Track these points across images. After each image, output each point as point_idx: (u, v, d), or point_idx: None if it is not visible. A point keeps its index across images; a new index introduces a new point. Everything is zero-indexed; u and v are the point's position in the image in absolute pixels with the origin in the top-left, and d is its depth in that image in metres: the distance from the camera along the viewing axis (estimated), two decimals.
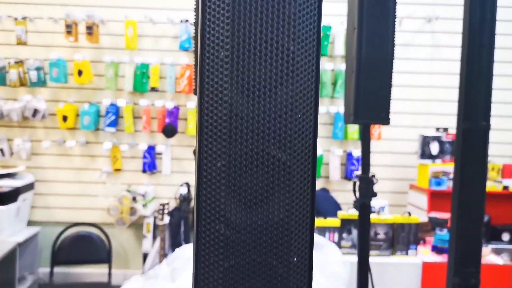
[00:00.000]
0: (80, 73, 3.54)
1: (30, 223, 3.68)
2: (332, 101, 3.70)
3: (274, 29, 0.48)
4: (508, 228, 3.32)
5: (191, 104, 3.61)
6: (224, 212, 0.48)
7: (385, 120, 1.56)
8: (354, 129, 3.57)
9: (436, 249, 2.53)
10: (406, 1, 3.61)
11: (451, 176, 3.28)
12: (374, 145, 3.53)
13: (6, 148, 3.66)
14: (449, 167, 3.32)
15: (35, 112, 3.61)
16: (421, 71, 3.73)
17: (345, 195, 3.66)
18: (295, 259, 0.49)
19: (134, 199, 3.64)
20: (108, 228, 3.69)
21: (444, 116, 3.67)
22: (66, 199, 3.74)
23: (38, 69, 3.60)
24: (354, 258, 1.92)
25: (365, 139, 1.60)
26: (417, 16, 3.68)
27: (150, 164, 3.68)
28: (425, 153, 3.38)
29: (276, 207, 0.50)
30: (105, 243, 3.65)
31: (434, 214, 2.75)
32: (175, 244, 3.53)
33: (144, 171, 3.69)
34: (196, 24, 1.48)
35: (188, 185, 3.72)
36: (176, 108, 3.63)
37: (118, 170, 3.71)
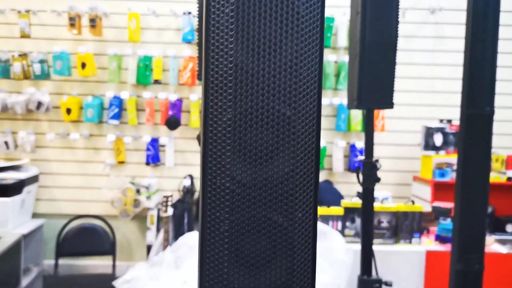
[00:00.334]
0: (83, 65, 3.55)
1: (35, 215, 3.70)
2: (335, 93, 3.70)
3: None
4: None
5: (194, 96, 3.62)
6: (229, 166, 0.49)
7: (389, 105, 1.56)
8: (357, 121, 3.57)
9: (439, 238, 2.52)
10: None
11: (455, 167, 3.28)
12: (377, 137, 3.53)
13: (10, 140, 3.68)
14: (453, 158, 3.31)
15: (39, 104, 3.62)
16: (425, 63, 3.73)
17: (348, 187, 3.66)
18: (300, 214, 0.50)
19: (138, 191, 3.65)
20: (112, 220, 3.71)
21: (448, 108, 3.66)
22: (70, 192, 3.76)
23: (41, 62, 3.61)
24: (357, 246, 1.92)
25: (368, 124, 1.60)
26: (420, 7, 3.68)
27: (154, 156, 3.69)
28: (428, 145, 3.38)
29: (281, 161, 0.50)
30: (109, 235, 3.66)
31: (437, 204, 2.75)
32: (179, 235, 3.53)
33: (147, 163, 3.70)
34: None
35: (191, 177, 3.73)
36: (179, 101, 3.64)
37: (121, 162, 3.72)
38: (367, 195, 1.60)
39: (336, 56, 3.64)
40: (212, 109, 0.49)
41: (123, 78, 3.66)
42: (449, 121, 3.47)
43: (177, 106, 3.62)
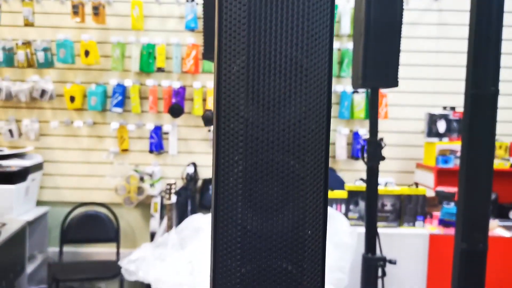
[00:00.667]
0: (87, 53, 3.55)
1: (39, 203, 3.72)
2: (338, 80, 3.69)
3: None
4: None
5: (197, 84, 3.62)
6: (243, 109, 0.49)
7: (394, 84, 1.56)
8: (360, 108, 3.57)
9: (443, 223, 2.53)
10: None
11: (458, 154, 3.28)
12: (380, 124, 3.52)
13: (14, 128, 3.69)
14: (457, 145, 3.32)
15: (43, 92, 3.63)
16: (428, 50, 3.72)
17: (351, 174, 3.67)
18: (309, 158, 0.50)
19: (141, 179, 3.67)
20: (116, 207, 3.73)
21: (451, 95, 3.66)
22: (74, 179, 3.78)
23: (45, 50, 3.61)
24: (361, 229, 1.93)
25: (373, 103, 1.60)
26: None
27: (157, 144, 3.70)
28: (432, 132, 3.38)
29: (293, 109, 0.51)
30: (113, 222, 3.68)
31: (441, 188, 2.76)
32: None
33: (151, 151, 3.71)
34: None
35: (194, 165, 3.74)
36: (182, 88, 3.64)
37: (125, 150, 3.73)
38: (371, 174, 1.60)
39: (340, 43, 3.64)
40: (226, 54, 0.50)
41: (127, 66, 3.67)
42: (453, 108, 3.47)
43: (180, 93, 3.63)
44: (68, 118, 3.71)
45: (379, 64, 1.53)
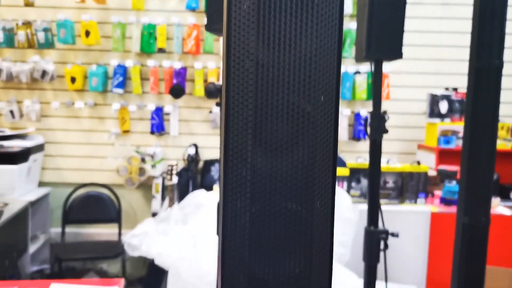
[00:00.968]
0: (87, 34, 3.53)
1: (41, 184, 3.73)
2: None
3: None
4: None
5: (198, 64, 3.60)
6: (253, 48, 0.49)
7: (398, 55, 1.55)
8: (362, 89, 3.56)
9: (444, 201, 2.54)
10: None
11: (460, 135, 3.28)
12: (382, 105, 3.52)
13: (16, 109, 3.68)
14: (458, 126, 3.31)
15: (44, 73, 3.62)
16: (431, 30, 3.69)
17: (352, 156, 3.67)
18: (320, 97, 0.50)
19: (142, 160, 3.67)
20: (118, 188, 3.73)
21: (454, 76, 3.64)
22: (76, 161, 3.78)
23: (45, 30, 3.59)
24: (363, 206, 1.94)
25: (377, 75, 1.60)
26: None
27: (158, 125, 3.69)
28: (433, 112, 3.37)
29: (304, 46, 0.50)
30: (115, 203, 3.69)
31: (443, 167, 2.76)
32: None
33: (152, 132, 3.70)
34: None
35: (196, 146, 3.74)
36: (184, 69, 3.63)
37: (126, 131, 3.73)
38: (374, 147, 1.60)
39: None
40: None
41: (127, 46, 3.65)
42: (455, 89, 3.46)
43: (181, 74, 3.61)
44: (69, 99, 3.70)
45: (383, 36, 1.52)
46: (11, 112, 3.68)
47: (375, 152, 1.61)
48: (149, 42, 3.59)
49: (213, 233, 1.86)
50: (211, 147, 3.74)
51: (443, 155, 3.25)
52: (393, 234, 1.61)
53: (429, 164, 3.38)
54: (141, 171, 3.68)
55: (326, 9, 0.49)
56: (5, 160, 3.24)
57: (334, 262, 1.89)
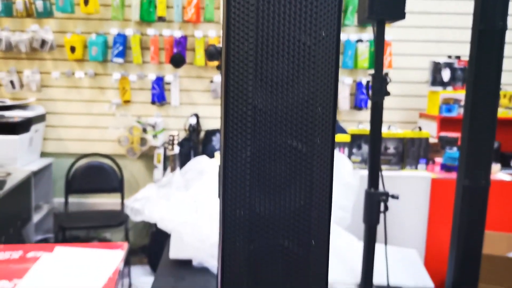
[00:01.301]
0: (86, 2, 3.48)
1: (43, 154, 3.74)
2: (342, 29, 3.63)
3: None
4: None
5: (199, 33, 3.56)
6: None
7: (401, 16, 1.53)
8: (364, 57, 3.53)
9: (445, 168, 2.54)
10: None
11: (462, 103, 3.27)
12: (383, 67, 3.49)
13: (16, 80, 3.67)
14: (461, 94, 3.29)
15: (43, 43, 3.58)
16: None
17: (354, 125, 3.66)
18: (321, 31, 0.49)
19: (144, 130, 3.67)
20: (119, 159, 3.75)
21: (457, 44, 3.60)
22: (77, 131, 3.78)
23: None
24: (364, 172, 1.94)
25: (379, 37, 1.58)
26: None
27: (159, 95, 3.68)
28: (436, 80, 3.35)
29: None
30: (117, 173, 3.71)
31: (444, 134, 2.75)
32: None
33: (153, 102, 3.69)
34: None
35: (197, 116, 3.74)
36: (184, 38, 3.59)
37: (127, 101, 3.72)
38: (376, 109, 1.60)
39: None
40: None
41: (127, 15, 3.60)
42: (458, 57, 3.42)
43: (181, 43, 3.58)
44: (69, 69, 3.68)
45: None
46: (11, 82, 3.66)
47: (376, 115, 1.60)
48: (148, 11, 3.54)
49: (214, 198, 1.87)
50: (212, 117, 3.74)
51: (445, 124, 3.24)
52: (393, 196, 1.62)
53: (431, 133, 3.38)
54: (143, 141, 3.69)
55: None
56: (6, 130, 3.24)
57: (334, 225, 1.91)
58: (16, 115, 3.34)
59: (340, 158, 2.08)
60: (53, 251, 1.80)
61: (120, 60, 3.59)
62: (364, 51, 3.53)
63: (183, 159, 3.69)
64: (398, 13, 1.51)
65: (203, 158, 2.23)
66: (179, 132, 3.70)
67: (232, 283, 0.53)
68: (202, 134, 3.77)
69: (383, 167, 2.35)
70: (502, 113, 3.24)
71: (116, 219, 3.49)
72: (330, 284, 1.64)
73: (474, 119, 1.68)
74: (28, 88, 3.67)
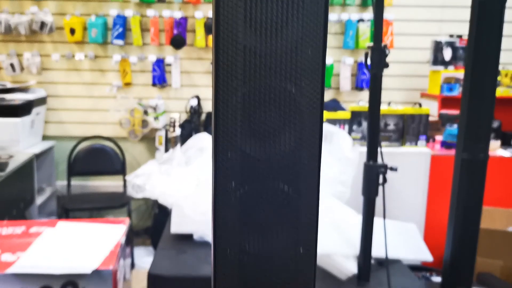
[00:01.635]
0: None
1: (45, 138, 3.75)
2: (343, 8, 3.61)
3: None
4: None
5: (199, 14, 3.55)
6: None
7: None
8: (365, 37, 3.51)
9: (445, 145, 2.55)
10: None
11: None
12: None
13: (16, 62, 3.67)
14: (462, 73, 3.27)
15: (42, 25, 3.58)
16: None
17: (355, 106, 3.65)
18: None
19: (145, 112, 3.68)
20: (121, 141, 3.76)
21: (459, 23, 3.57)
22: (79, 114, 3.79)
23: None
24: (363, 149, 1.95)
25: (378, 7, 1.57)
26: None
27: (160, 77, 3.68)
28: (437, 60, 3.33)
29: None
30: (119, 155, 3.73)
31: (444, 111, 2.75)
32: None
33: (154, 84, 3.69)
34: None
35: (198, 98, 3.74)
36: (184, 19, 3.57)
37: (128, 84, 3.72)
38: (375, 81, 1.60)
39: None
40: None
41: None
42: (459, 36, 3.40)
43: (182, 24, 3.56)
44: (69, 51, 3.67)
45: None
46: (12, 65, 3.66)
47: (376, 86, 1.60)
48: None
49: None
50: None
51: (446, 103, 3.23)
52: (391, 168, 1.62)
53: (432, 112, 3.37)
54: (144, 123, 3.69)
55: None
56: (7, 113, 3.25)
57: (334, 199, 1.93)
58: (17, 98, 3.34)
59: (340, 134, 2.09)
60: (56, 226, 1.82)
61: (120, 42, 3.58)
62: (365, 31, 3.51)
63: (185, 141, 3.69)
64: None
65: (204, 135, 2.24)
66: (180, 114, 3.71)
67: (224, 224, 0.55)
68: (203, 116, 3.77)
69: (383, 143, 2.35)
70: (503, 92, 3.23)
71: (119, 201, 3.52)
72: (329, 256, 1.66)
73: (473, 89, 1.68)
74: (29, 71, 3.67)
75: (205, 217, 1.79)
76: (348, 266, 1.66)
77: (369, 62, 1.62)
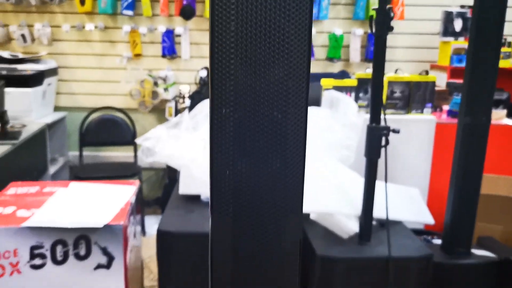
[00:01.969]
0: None
1: (56, 108, 3.82)
2: None
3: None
4: None
5: None
6: None
7: None
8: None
9: (451, 114, 2.55)
10: None
11: None
12: (395, 25, 3.45)
13: (27, 33, 3.71)
14: None
15: None
16: None
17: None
18: None
19: (155, 83, 3.72)
20: (132, 112, 3.81)
21: None
22: (89, 85, 3.84)
23: None
24: (368, 116, 1.97)
25: None
26: None
27: (169, 48, 3.70)
28: (448, 31, 3.31)
29: None
30: (130, 126, 3.79)
31: (452, 80, 2.75)
32: None
33: (163, 55, 3.72)
34: None
35: (207, 69, 3.76)
36: None
37: (138, 55, 3.75)
38: (379, 44, 1.61)
39: None
40: None
41: None
42: (470, 7, 3.36)
43: None
44: (79, 22, 3.70)
45: None
46: (23, 36, 3.71)
47: (380, 49, 1.62)
48: None
49: None
50: None
51: (455, 74, 3.22)
52: (394, 131, 1.65)
53: (441, 84, 3.36)
54: (154, 94, 3.74)
55: None
56: (19, 83, 3.30)
57: (338, 163, 1.96)
58: (28, 68, 3.40)
59: (345, 100, 2.11)
60: (68, 186, 1.88)
61: (129, 12, 3.60)
62: (376, 1, 3.48)
63: None
64: None
65: None
66: (190, 86, 3.74)
67: (221, 150, 0.59)
68: None
69: (389, 111, 2.37)
70: None
71: (130, 170, 3.59)
72: (332, 215, 1.71)
73: (476, 55, 1.69)
74: (40, 41, 3.72)
75: None
76: (350, 225, 1.71)
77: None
